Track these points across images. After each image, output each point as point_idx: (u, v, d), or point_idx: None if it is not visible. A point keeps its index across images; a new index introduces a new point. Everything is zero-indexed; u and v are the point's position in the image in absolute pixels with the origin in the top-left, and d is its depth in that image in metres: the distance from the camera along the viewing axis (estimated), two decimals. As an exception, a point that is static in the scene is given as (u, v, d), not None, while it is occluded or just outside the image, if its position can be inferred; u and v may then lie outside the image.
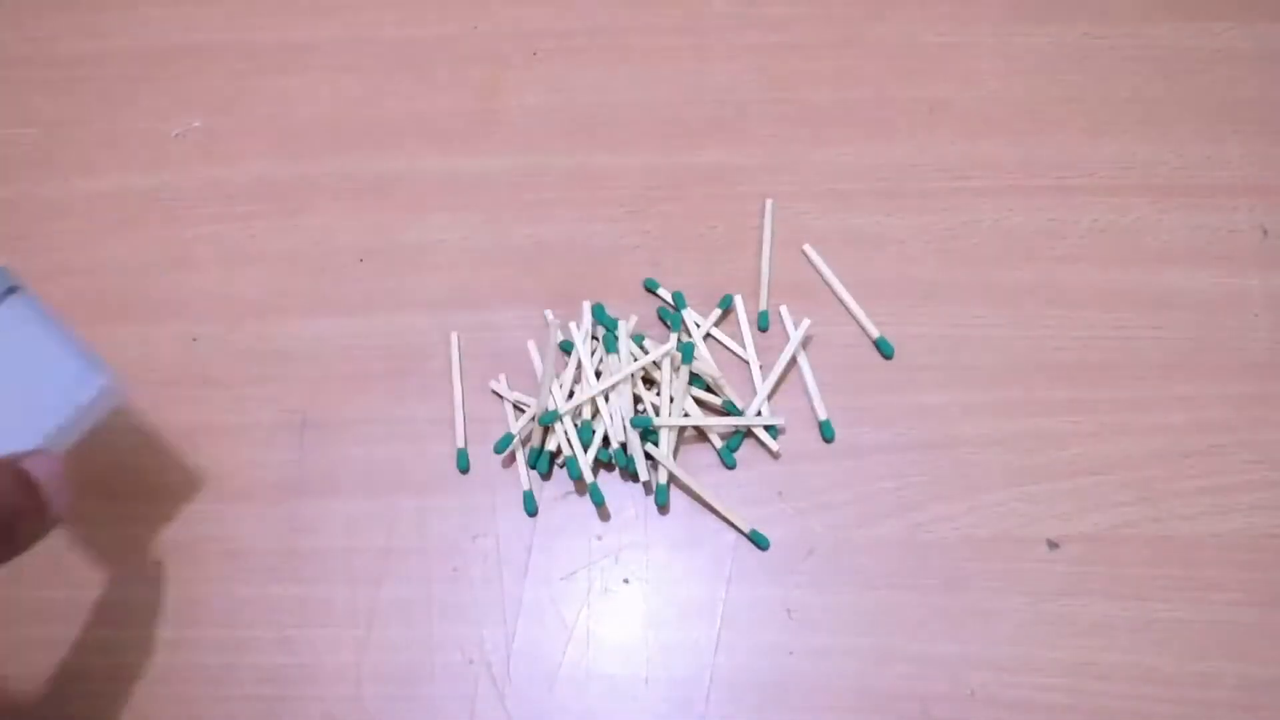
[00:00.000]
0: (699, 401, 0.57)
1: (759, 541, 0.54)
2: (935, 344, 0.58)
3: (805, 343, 0.58)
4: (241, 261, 0.61)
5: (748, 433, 0.56)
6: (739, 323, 0.59)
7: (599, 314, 0.58)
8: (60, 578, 0.54)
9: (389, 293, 0.60)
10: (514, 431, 0.56)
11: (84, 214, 0.63)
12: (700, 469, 0.56)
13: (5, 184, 0.64)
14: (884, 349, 0.58)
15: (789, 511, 0.55)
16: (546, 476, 0.56)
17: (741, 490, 0.55)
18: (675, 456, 0.56)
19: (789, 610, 0.53)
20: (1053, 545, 0.54)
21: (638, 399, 0.56)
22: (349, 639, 0.53)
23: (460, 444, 0.56)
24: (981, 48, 0.66)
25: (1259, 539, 0.53)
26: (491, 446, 0.56)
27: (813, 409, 0.57)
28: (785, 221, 0.62)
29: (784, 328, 0.59)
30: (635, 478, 0.55)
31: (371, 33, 0.68)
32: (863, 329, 0.59)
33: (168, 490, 0.56)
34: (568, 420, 0.55)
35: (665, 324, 0.59)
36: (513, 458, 0.56)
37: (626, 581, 0.54)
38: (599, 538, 0.55)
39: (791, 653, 0.52)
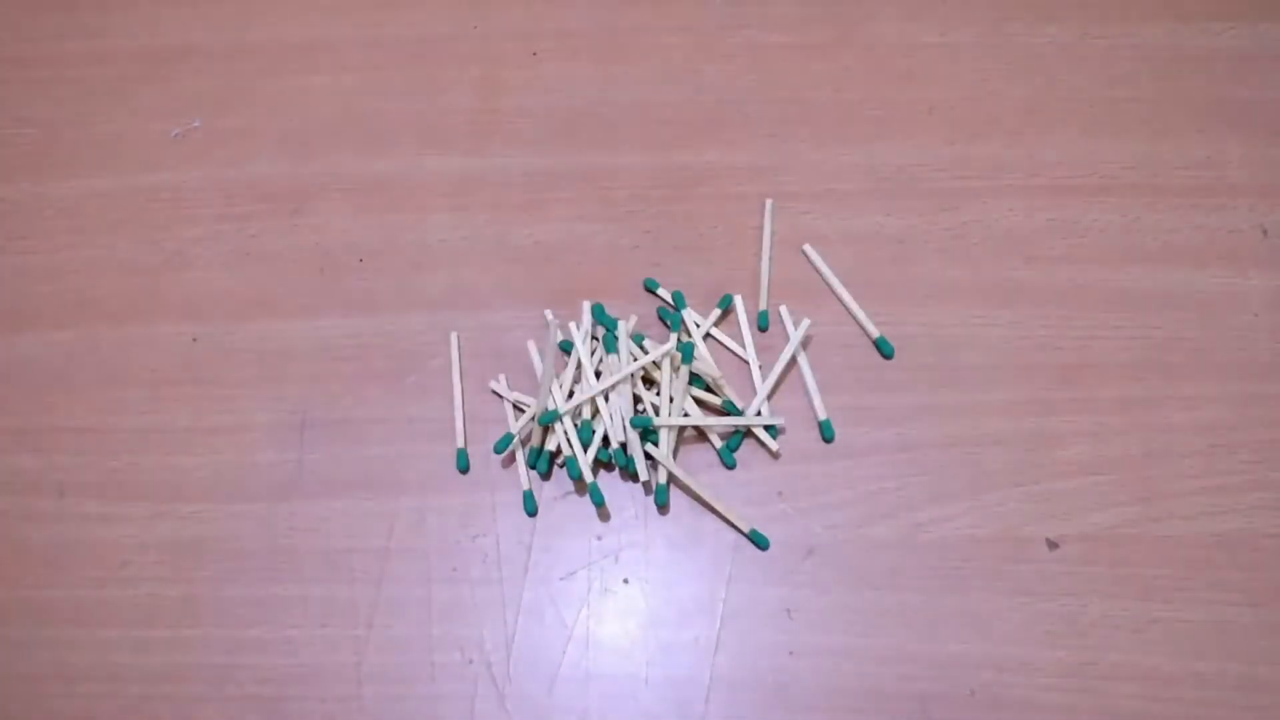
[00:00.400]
0: (699, 401, 0.57)
1: (759, 541, 0.54)
2: (935, 344, 0.58)
3: (805, 343, 0.58)
4: (241, 261, 0.61)
5: (747, 433, 0.56)
6: (739, 323, 0.59)
7: (599, 314, 0.58)
8: (61, 578, 0.54)
9: (389, 293, 0.60)
10: (514, 431, 0.56)
11: (84, 214, 0.63)
12: (700, 469, 0.56)
13: (5, 184, 0.64)
14: (884, 349, 0.58)
15: (789, 511, 0.55)
16: (546, 476, 0.56)
17: (741, 490, 0.55)
18: (675, 456, 0.56)
19: (789, 610, 0.53)
20: (1053, 545, 0.54)
21: (637, 399, 0.56)
22: (349, 639, 0.53)
23: (460, 444, 0.56)
24: (981, 48, 0.66)
25: (1259, 539, 0.53)
26: (491, 446, 0.56)
27: (813, 409, 0.57)
28: (785, 221, 0.62)
29: (784, 328, 0.59)
30: (635, 478, 0.55)
31: (371, 33, 0.68)
32: (863, 329, 0.59)
33: (168, 490, 0.56)
34: (567, 420, 0.55)
35: (665, 324, 0.59)
36: (513, 458, 0.56)
37: (626, 581, 0.54)
38: (599, 538, 0.55)
39: (791, 653, 0.52)
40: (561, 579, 0.54)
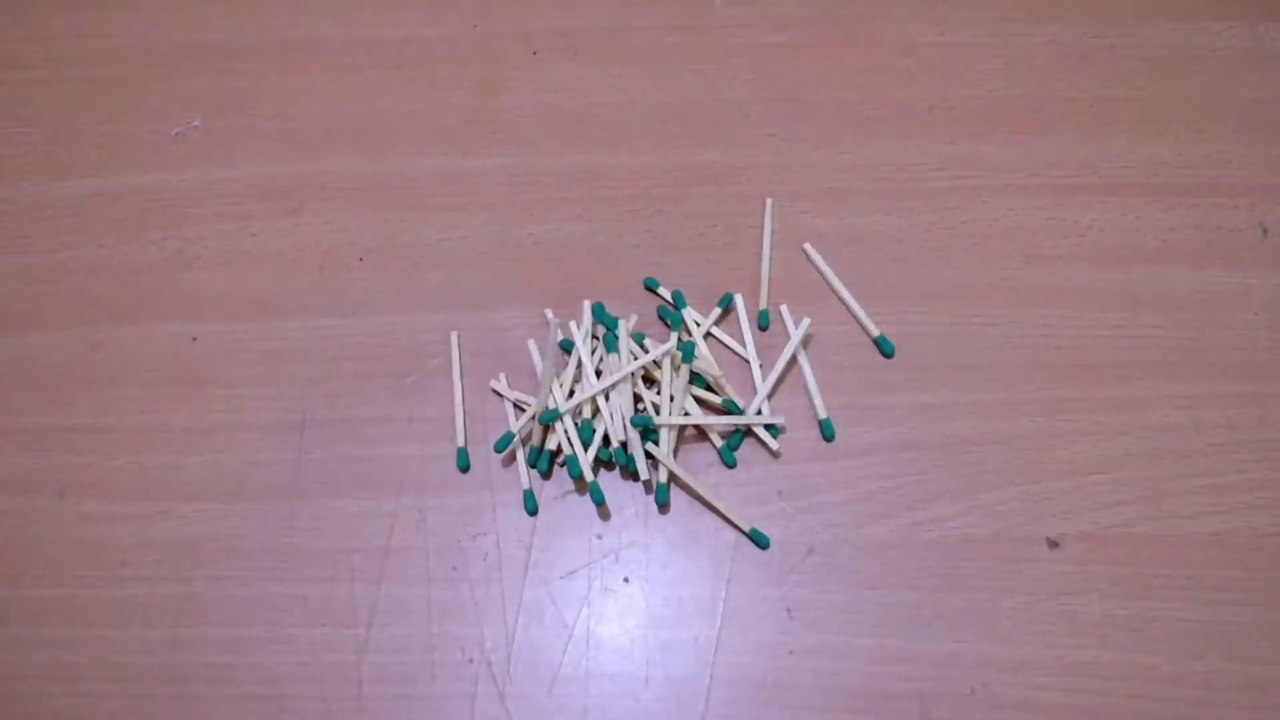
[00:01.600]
0: (699, 400, 0.57)
1: (759, 541, 0.54)
2: (935, 343, 0.58)
3: (805, 342, 0.58)
4: (241, 261, 0.62)
5: (748, 432, 0.56)
6: (739, 322, 0.59)
7: (599, 313, 0.58)
8: (61, 577, 0.54)
9: (389, 293, 0.60)
10: (514, 430, 0.56)
11: (84, 214, 0.63)
12: (700, 468, 0.56)
13: (5, 184, 0.64)
14: (884, 348, 0.58)
15: (789, 511, 0.55)
16: (546, 475, 0.56)
17: (741, 490, 0.55)
18: (675, 456, 0.56)
19: (789, 610, 0.53)
20: (1052, 544, 0.54)
21: (638, 398, 0.56)
22: (349, 639, 0.53)
23: (460, 443, 0.56)
24: (981, 48, 0.66)
25: (1259, 539, 0.53)
26: (491, 446, 0.56)
27: (813, 408, 0.57)
28: (785, 221, 0.62)
29: (784, 327, 0.59)
30: (635, 477, 0.55)
31: (371, 33, 0.68)
32: (863, 328, 0.59)
33: (168, 490, 0.56)
34: (568, 419, 0.55)
35: (665, 323, 0.59)
36: (513, 457, 0.56)
37: (626, 581, 0.54)
38: (599, 537, 0.55)
39: (791, 652, 0.52)
40: (562, 578, 0.54)
